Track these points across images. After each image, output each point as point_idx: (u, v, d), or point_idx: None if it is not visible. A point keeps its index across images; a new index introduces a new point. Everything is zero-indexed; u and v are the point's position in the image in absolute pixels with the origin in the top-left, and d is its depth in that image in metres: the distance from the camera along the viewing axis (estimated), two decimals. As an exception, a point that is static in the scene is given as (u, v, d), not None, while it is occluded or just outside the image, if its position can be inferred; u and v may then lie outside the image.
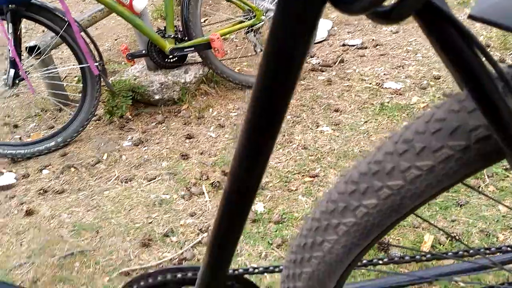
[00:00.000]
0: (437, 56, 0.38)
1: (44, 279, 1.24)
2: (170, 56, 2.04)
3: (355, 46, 2.64)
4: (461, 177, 0.42)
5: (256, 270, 0.77)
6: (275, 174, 1.56)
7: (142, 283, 0.73)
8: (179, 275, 0.73)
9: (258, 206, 1.42)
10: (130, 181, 1.64)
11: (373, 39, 2.66)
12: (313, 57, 2.52)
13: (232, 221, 0.52)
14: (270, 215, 1.38)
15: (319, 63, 2.41)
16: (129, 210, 1.48)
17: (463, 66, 0.36)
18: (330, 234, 0.50)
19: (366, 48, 2.56)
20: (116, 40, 3.28)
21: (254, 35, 2.24)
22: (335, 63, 2.41)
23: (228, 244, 0.55)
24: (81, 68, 1.89)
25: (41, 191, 1.65)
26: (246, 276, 0.78)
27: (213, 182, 1.56)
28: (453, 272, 0.82)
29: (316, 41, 2.79)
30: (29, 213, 1.54)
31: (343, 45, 2.65)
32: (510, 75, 0.37)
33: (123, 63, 2.78)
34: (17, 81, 1.83)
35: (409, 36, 2.64)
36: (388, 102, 1.88)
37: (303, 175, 1.55)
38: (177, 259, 1.26)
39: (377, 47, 2.56)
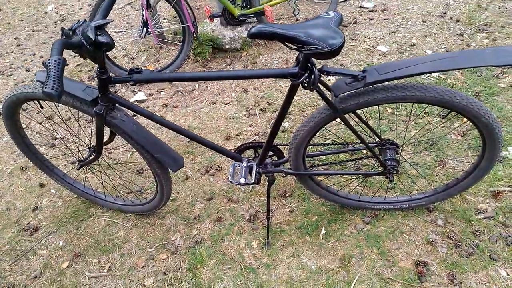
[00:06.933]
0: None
1: (180, 150, 2.51)
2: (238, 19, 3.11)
3: (368, 9, 3.57)
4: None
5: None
6: (296, 105, 2.72)
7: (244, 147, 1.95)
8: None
9: (285, 123, 2.61)
10: (214, 103, 2.85)
11: (382, 3, 3.57)
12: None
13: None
14: (291, 129, 2.56)
15: (338, 24, 3.40)
16: (216, 120, 2.70)
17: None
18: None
19: (375, 11, 3.49)
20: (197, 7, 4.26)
21: (294, 3, 3.24)
22: (350, 23, 3.38)
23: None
24: (182, 26, 3.01)
25: (164, 105, 2.89)
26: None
27: (262, 108, 2.73)
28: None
29: (341, 0, 3.72)
30: (160, 117, 2.79)
31: (360, 7, 3.58)
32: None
33: (204, 21, 3.84)
34: (146, 35, 2.99)
35: (409, 3, 3.53)
36: (374, 63, 2.93)
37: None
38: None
39: (384, 11, 3.48)
